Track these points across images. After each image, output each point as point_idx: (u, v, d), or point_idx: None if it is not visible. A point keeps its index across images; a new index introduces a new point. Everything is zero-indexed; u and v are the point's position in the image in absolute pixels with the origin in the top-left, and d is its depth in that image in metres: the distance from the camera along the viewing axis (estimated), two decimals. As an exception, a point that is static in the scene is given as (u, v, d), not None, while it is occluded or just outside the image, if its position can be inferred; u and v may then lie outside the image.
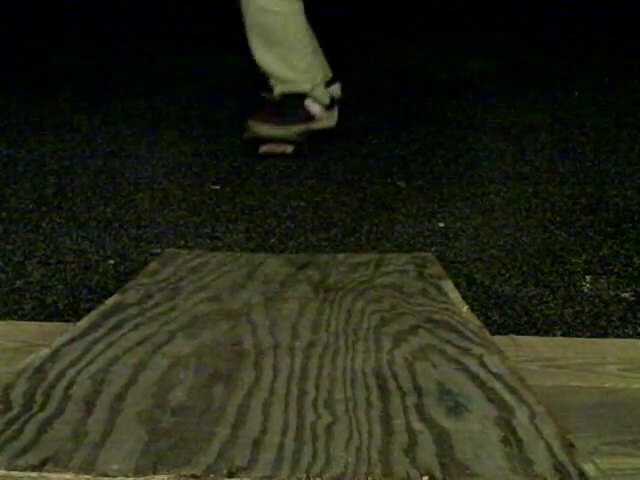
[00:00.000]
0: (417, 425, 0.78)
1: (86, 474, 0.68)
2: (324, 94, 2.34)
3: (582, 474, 0.68)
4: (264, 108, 2.37)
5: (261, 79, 2.35)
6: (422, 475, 0.68)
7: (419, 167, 2.32)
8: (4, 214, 1.99)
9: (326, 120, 2.38)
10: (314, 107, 2.34)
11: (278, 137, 2.35)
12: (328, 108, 2.37)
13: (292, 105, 2.31)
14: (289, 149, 2.38)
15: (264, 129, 2.31)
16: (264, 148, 2.36)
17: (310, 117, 2.35)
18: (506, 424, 0.78)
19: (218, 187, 2.18)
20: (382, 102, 3.00)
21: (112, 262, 1.72)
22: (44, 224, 1.92)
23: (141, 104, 2.99)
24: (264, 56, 2.27)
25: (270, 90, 2.35)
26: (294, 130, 2.34)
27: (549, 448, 0.73)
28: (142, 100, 3.04)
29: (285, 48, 2.25)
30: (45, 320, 1.44)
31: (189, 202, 2.07)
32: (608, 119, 2.74)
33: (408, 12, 4.63)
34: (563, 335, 1.39)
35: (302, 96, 2.31)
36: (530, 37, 4.06)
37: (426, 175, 2.26)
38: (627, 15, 4.33)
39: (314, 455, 0.71)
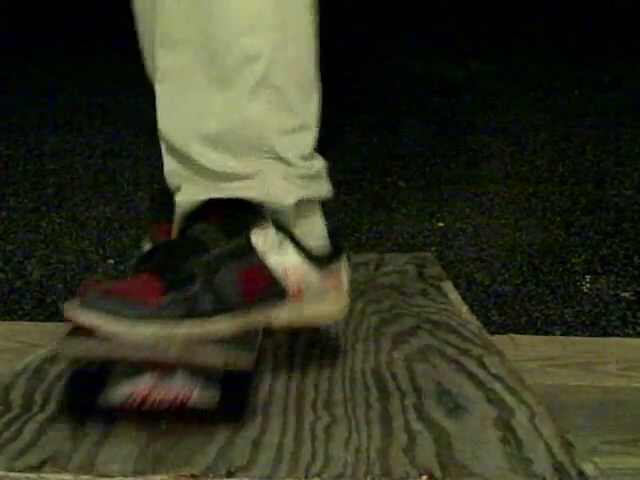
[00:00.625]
0: (416, 425, 0.78)
1: (85, 475, 0.68)
2: (319, 224, 0.89)
3: (581, 474, 0.68)
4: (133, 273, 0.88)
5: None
6: (421, 474, 0.68)
7: (419, 167, 2.32)
8: (4, 214, 1.99)
9: (315, 299, 0.84)
10: (282, 257, 0.83)
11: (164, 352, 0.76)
12: (318, 261, 0.85)
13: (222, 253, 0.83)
14: (197, 393, 0.77)
15: (117, 328, 0.74)
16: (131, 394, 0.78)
17: (278, 290, 0.82)
18: (505, 424, 0.78)
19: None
20: (382, 102, 3.00)
21: (112, 262, 1.72)
22: (44, 224, 1.92)
23: (141, 104, 2.99)
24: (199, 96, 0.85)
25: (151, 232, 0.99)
26: (213, 328, 0.78)
27: (548, 448, 0.73)
28: (142, 100, 3.04)
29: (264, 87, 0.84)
30: (45, 320, 1.44)
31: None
32: (608, 119, 2.74)
33: (408, 12, 4.63)
34: (563, 335, 1.38)
35: (247, 221, 0.85)
36: (530, 37, 4.06)
37: (426, 175, 2.25)
38: (627, 15, 4.33)
39: (313, 455, 0.71)
